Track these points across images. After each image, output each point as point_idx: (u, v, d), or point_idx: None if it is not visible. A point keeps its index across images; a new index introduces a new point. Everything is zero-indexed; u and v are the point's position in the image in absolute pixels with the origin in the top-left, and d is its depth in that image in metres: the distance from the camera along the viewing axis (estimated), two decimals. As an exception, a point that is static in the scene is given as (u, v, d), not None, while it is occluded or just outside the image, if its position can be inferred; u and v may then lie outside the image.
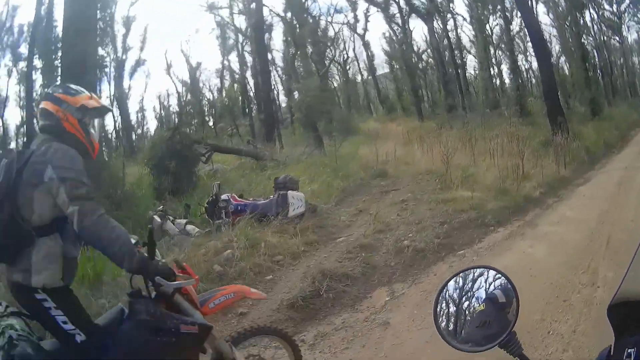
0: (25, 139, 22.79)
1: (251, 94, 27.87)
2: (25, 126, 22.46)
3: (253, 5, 23.16)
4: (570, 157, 12.62)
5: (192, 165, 12.00)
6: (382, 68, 32.18)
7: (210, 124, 32.79)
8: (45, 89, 9.12)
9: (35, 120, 21.72)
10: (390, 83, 31.37)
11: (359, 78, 33.57)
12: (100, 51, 10.44)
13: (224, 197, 9.07)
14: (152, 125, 31.06)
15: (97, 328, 2.75)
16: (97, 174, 8.55)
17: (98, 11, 9.34)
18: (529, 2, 24.35)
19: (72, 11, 8.57)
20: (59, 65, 8.44)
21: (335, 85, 33.28)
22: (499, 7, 25.82)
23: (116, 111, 28.37)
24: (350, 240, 7.71)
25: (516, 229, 7.78)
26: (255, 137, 21.11)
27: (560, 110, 18.58)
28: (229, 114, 28.38)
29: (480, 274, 1.86)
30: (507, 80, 27.70)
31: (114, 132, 27.88)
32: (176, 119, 30.20)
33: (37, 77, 11.71)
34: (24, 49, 22.87)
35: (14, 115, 53.73)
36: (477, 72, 28.89)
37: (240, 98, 28.62)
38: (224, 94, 31.23)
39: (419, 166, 12.78)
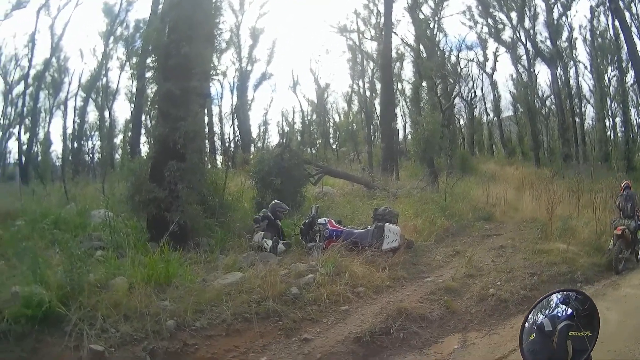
0: (130, 133, 24.74)
1: (378, 121, 28.08)
2: (132, 121, 24.49)
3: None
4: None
5: (299, 185, 12.12)
6: (508, 110, 31.55)
7: (334, 146, 33.61)
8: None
9: (142, 116, 23.31)
10: (515, 126, 30.43)
11: (484, 118, 32.85)
12: (215, 60, 10.62)
13: (321, 220, 9.17)
14: (274, 139, 32.44)
15: None
16: (199, 180, 8.96)
17: (217, 19, 9.41)
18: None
19: (177, 15, 8.72)
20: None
21: (462, 122, 32.74)
22: (616, 57, 24.47)
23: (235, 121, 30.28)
24: (438, 281, 7.52)
25: (601, 288, 7.75)
26: (372, 165, 21.13)
27: (660, 167, 17.67)
28: (352, 139, 28.78)
29: (567, 297, 2.22)
30: (620, 134, 26.58)
31: (232, 141, 29.69)
32: (299, 137, 31.21)
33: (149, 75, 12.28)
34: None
35: (123, 109, 58.98)
36: (594, 122, 27.55)
37: (365, 125, 28.92)
38: (350, 119, 31.77)
39: (525, 213, 12.94)
